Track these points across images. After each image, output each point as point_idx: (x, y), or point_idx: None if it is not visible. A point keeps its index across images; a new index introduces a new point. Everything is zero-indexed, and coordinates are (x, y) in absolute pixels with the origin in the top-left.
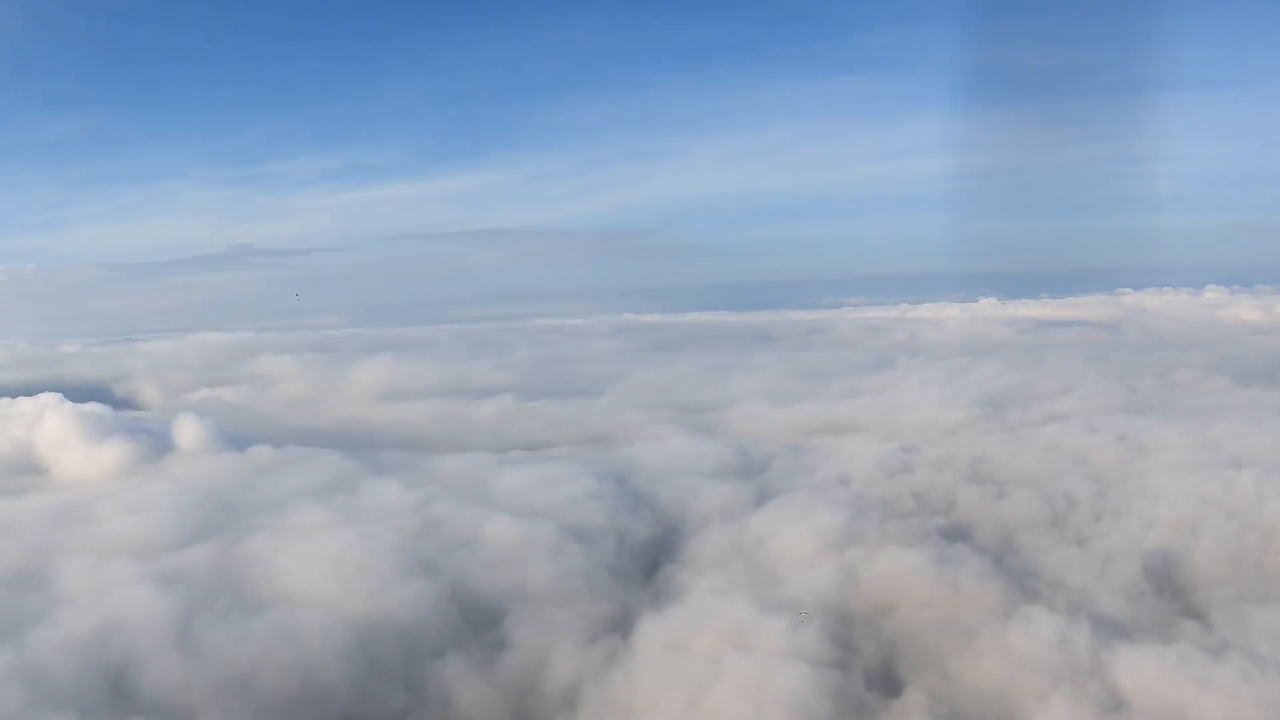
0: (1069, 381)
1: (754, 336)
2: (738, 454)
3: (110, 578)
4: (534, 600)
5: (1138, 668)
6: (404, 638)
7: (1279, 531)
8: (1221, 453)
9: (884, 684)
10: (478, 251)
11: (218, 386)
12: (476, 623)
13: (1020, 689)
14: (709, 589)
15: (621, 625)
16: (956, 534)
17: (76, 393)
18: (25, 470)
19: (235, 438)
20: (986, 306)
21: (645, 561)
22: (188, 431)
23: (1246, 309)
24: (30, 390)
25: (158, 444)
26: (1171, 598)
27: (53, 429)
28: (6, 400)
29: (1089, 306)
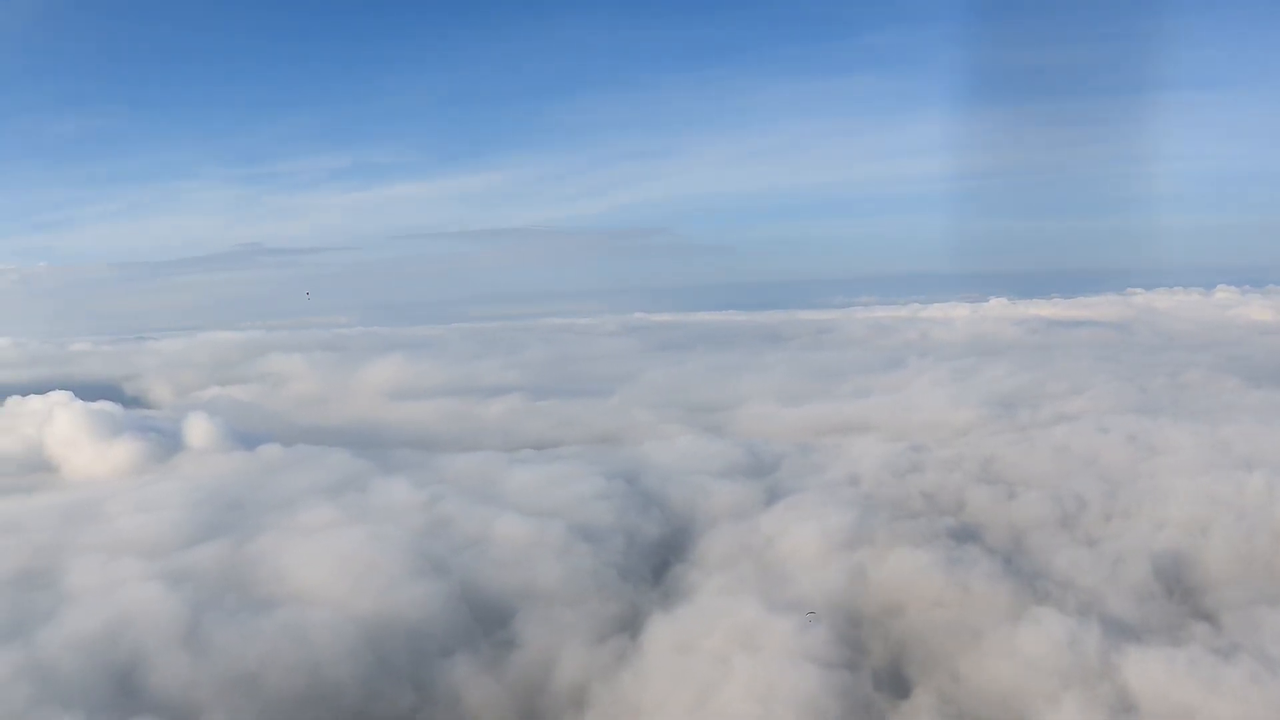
0: (1079, 382)
1: (764, 336)
2: (747, 453)
3: (119, 576)
4: (543, 599)
5: (1148, 669)
6: (413, 636)
7: None
8: (1232, 453)
9: (893, 685)
10: (487, 250)
11: (228, 385)
12: (485, 622)
13: (1030, 690)
14: (718, 589)
15: (630, 625)
16: (966, 534)
17: (87, 391)
18: (35, 468)
19: (245, 436)
20: (997, 306)
21: (654, 561)
22: (197, 430)
23: (1257, 309)
24: (41, 388)
25: (168, 442)
26: (1182, 599)
27: (63, 427)
28: (17, 398)
29: (1100, 306)
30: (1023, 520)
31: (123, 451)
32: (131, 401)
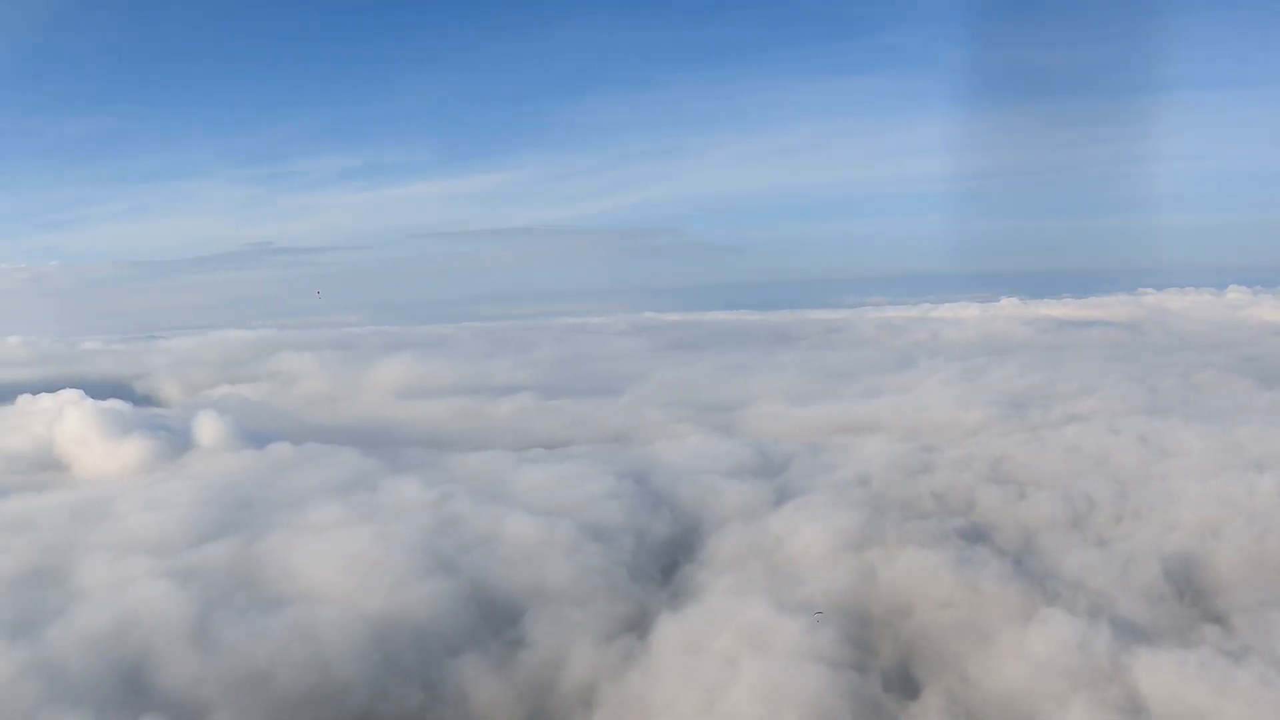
0: (1090, 382)
1: (774, 335)
2: (757, 453)
3: (129, 573)
4: (552, 599)
5: (1158, 672)
6: (421, 636)
7: None
8: (1243, 455)
9: (901, 686)
10: (498, 249)
11: (238, 384)
12: (494, 621)
13: (1039, 692)
14: (727, 589)
15: (639, 625)
16: (976, 535)
17: (97, 389)
18: (46, 466)
19: (255, 435)
20: (1008, 306)
21: (663, 561)
22: (207, 428)
23: (1269, 309)
24: (51, 387)
25: (178, 441)
26: (1192, 601)
27: (73, 425)
28: (28, 396)
29: (1111, 306)
30: (1033, 521)
31: (133, 450)
32: (142, 400)
